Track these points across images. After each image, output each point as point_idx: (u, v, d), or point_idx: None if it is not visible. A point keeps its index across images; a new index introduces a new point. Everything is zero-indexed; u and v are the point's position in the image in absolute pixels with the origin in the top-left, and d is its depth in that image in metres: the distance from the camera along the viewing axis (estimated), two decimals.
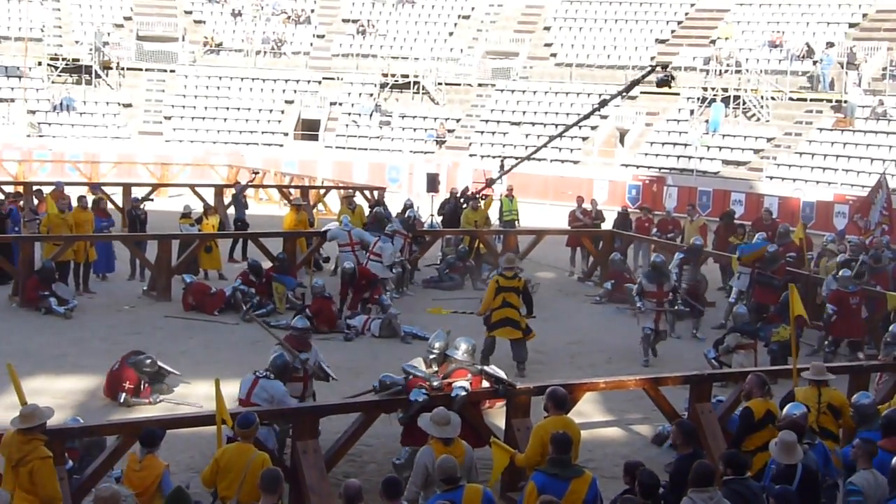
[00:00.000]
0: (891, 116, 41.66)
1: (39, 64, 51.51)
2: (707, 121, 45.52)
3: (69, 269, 23.24)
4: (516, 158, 39.11)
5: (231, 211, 29.93)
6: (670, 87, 40.36)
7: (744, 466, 10.15)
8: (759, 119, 45.19)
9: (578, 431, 11.21)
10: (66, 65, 51.62)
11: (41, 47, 52.07)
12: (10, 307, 21.87)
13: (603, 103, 31.07)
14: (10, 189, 30.83)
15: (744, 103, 45.48)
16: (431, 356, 13.89)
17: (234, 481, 9.67)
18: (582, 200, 29.94)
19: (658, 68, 40.52)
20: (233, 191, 30.50)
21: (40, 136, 48.21)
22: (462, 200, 29.61)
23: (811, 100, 45.03)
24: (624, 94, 35.52)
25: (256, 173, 36.53)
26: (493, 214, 30.39)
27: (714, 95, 45.53)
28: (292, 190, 37.29)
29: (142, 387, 15.97)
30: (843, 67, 44.79)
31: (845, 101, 43.36)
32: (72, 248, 23.01)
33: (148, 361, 16.20)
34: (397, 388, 12.59)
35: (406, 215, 25.95)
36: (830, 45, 46.03)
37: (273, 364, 13.17)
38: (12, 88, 50.15)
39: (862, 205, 27.48)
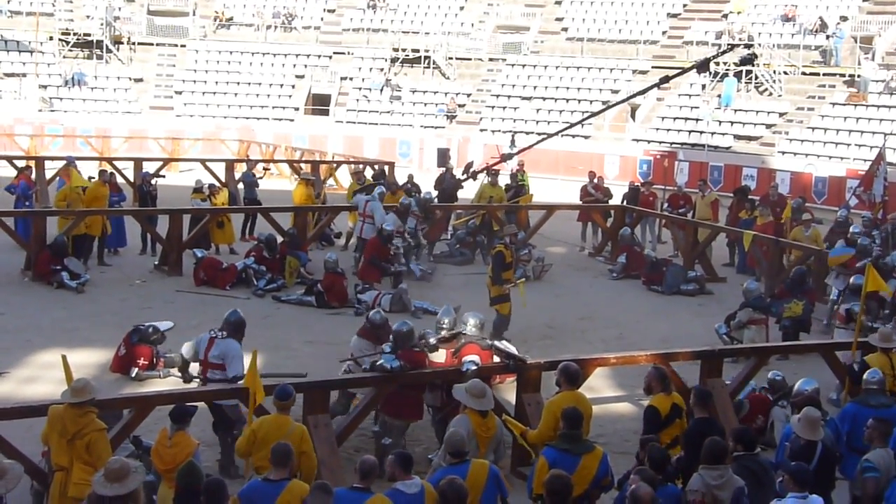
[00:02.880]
0: None
1: (51, 39, 51.47)
2: (719, 95, 45.33)
3: (88, 243, 23.27)
4: (527, 133, 39.14)
5: (241, 187, 29.91)
6: (753, 64, 40.29)
7: (753, 442, 10.18)
8: (771, 94, 44.98)
9: (590, 407, 11.24)
10: (78, 40, 51.59)
11: (52, 22, 52.02)
12: (23, 281, 21.92)
13: (665, 79, 30.67)
14: (21, 164, 30.78)
15: (756, 78, 45.28)
16: (441, 331, 13.89)
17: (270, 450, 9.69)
18: (594, 175, 29.87)
19: (740, 46, 40.42)
20: (243, 167, 30.57)
21: (52, 111, 48.25)
22: (465, 176, 29.60)
23: (824, 74, 44.78)
24: (698, 70, 35.17)
25: (268, 169, 36.59)
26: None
27: (726, 70, 45.30)
28: (303, 165, 37.32)
29: (154, 360, 16.06)
30: (856, 41, 44.56)
31: (858, 76, 43.12)
32: (85, 223, 23.05)
33: (150, 330, 16.28)
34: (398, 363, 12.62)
35: (423, 195, 25.99)
36: (844, 18, 45.76)
37: (226, 321, 13.20)
38: (24, 63, 50.14)
39: (864, 178, 27.37)
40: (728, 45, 41.14)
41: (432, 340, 13.26)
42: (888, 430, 10.48)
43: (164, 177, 29.04)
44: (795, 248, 23.11)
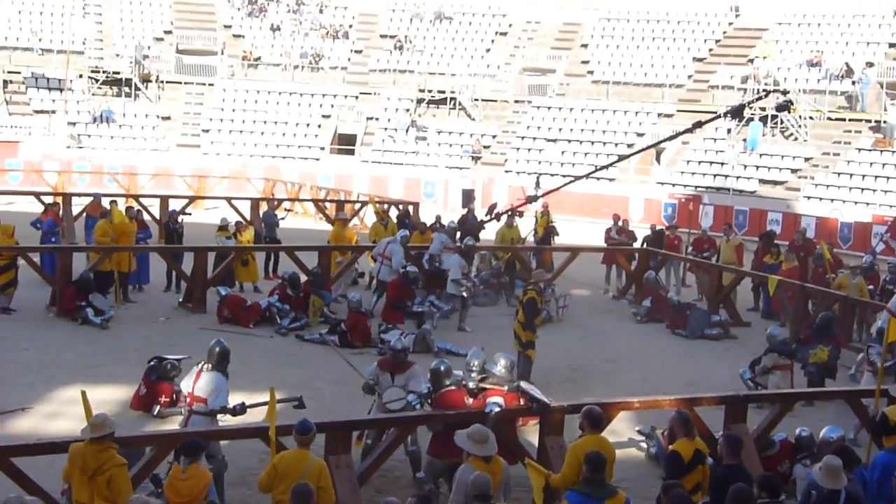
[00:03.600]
0: None
1: (80, 76, 52.00)
2: (745, 139, 45.34)
3: (111, 279, 23.36)
4: (552, 175, 39.18)
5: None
6: (790, 111, 40.28)
7: (779, 490, 10.06)
8: (797, 138, 44.94)
9: (613, 451, 11.16)
10: (107, 77, 52.09)
11: (82, 60, 52.59)
12: (48, 317, 22.01)
13: (698, 124, 30.65)
14: (48, 199, 31.01)
15: (782, 122, 45.27)
16: (471, 373, 13.83)
17: (290, 487, 9.68)
18: (618, 218, 29.86)
19: (778, 92, 40.43)
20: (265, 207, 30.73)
21: (80, 147, 48.66)
22: (489, 217, 29.65)
23: (850, 120, 44.75)
24: (732, 115, 35.01)
25: (290, 210, 36.85)
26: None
27: (752, 114, 45.29)
28: (327, 204, 37.46)
29: (175, 397, 16.07)
30: (882, 87, 44.52)
31: (884, 122, 43.06)
32: (111, 259, 23.16)
33: (169, 367, 16.32)
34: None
35: (448, 224, 26.19)
36: (870, 64, 45.80)
37: (210, 352, 13.16)
38: (54, 100, 50.60)
39: (891, 225, 27.23)
40: (764, 91, 41.14)
41: (471, 385, 13.22)
42: None
43: (189, 214, 29.18)
44: (820, 293, 22.99)
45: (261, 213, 31.54)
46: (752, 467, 12.78)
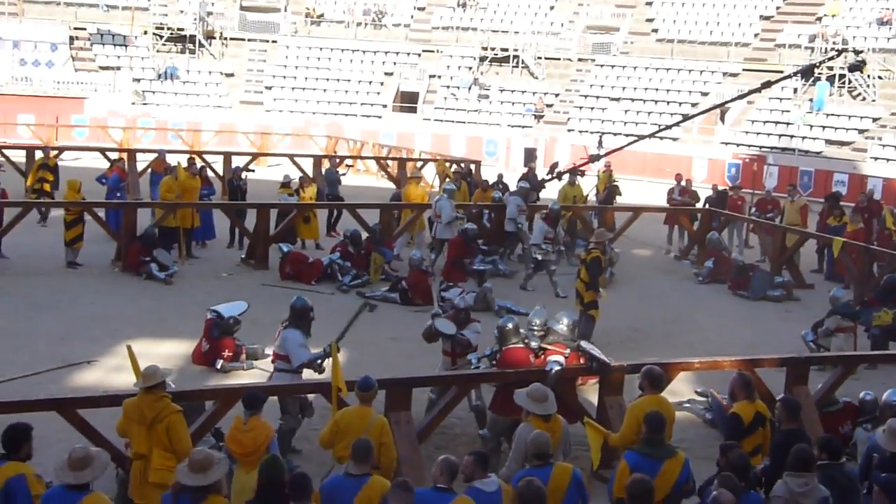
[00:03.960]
0: None
1: (145, 33, 52.44)
2: (811, 99, 44.72)
3: (175, 235, 23.59)
4: (615, 135, 38.95)
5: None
6: (863, 71, 39.74)
7: (839, 452, 9.99)
8: (864, 98, 44.25)
9: (673, 411, 11.13)
10: (171, 34, 52.45)
11: (147, 16, 52.96)
12: (113, 272, 22.29)
13: (767, 84, 30.23)
14: (113, 156, 31.33)
15: (850, 82, 44.56)
16: (533, 332, 13.85)
17: (351, 444, 9.75)
18: (681, 178, 29.64)
19: (851, 52, 39.94)
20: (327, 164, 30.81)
21: (144, 104, 49.11)
22: (550, 176, 29.51)
23: None
24: (802, 75, 34.48)
25: (351, 166, 37.06)
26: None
27: (819, 74, 44.64)
28: (388, 162, 37.53)
29: (241, 353, 16.30)
30: None
31: None
32: (175, 215, 23.40)
33: (232, 322, 16.50)
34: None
35: (519, 186, 26.19)
36: None
37: (291, 307, 13.36)
38: (118, 57, 51.08)
39: None
40: (835, 50, 40.52)
41: (533, 344, 13.24)
42: None
43: (253, 171, 29.37)
44: (885, 255, 22.70)
45: (323, 170, 31.67)
46: (812, 430, 12.72)
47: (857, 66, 34.41)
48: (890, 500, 8.92)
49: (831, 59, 38.77)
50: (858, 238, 24.01)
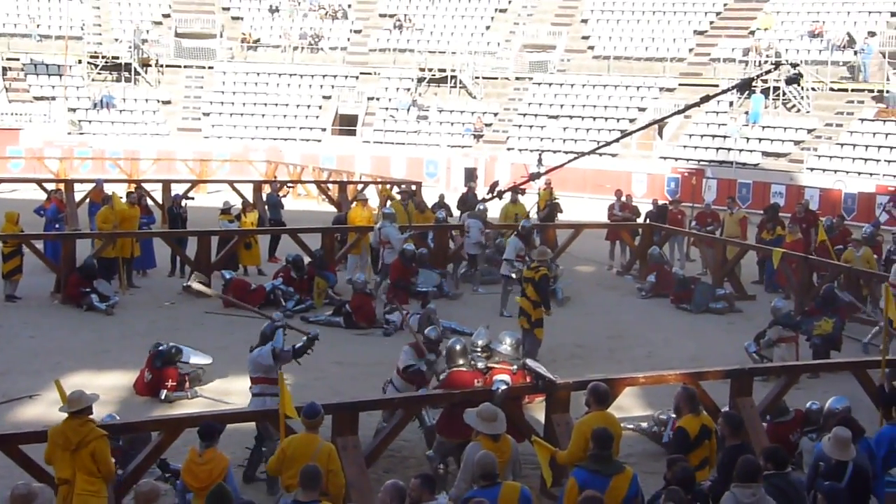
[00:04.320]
0: None
1: (80, 62, 51.96)
2: (747, 112, 45.21)
3: (115, 265, 23.36)
4: (554, 152, 39.19)
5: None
6: (800, 83, 40.20)
7: (785, 461, 10.07)
8: (799, 110, 44.82)
9: (619, 427, 11.17)
10: (106, 62, 52.03)
11: (81, 45, 52.50)
12: (52, 304, 22.03)
13: (706, 98, 30.45)
14: (51, 187, 31.01)
15: (784, 94, 45.11)
16: (476, 353, 13.86)
17: (299, 471, 9.71)
18: (620, 194, 29.86)
19: (787, 65, 40.37)
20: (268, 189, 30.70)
21: (81, 133, 48.63)
22: (491, 195, 29.60)
23: (852, 90, 44.63)
24: (739, 89, 34.70)
25: (291, 187, 37.01)
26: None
27: (755, 87, 45.12)
28: (329, 185, 37.45)
29: (184, 382, 16.15)
30: (884, 57, 44.38)
31: (887, 91, 42.95)
32: (115, 244, 23.17)
33: (173, 351, 16.39)
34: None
35: (479, 208, 26.16)
36: (872, 34, 45.58)
37: (262, 333, 13.60)
38: (53, 87, 50.56)
39: (894, 195, 27.11)
40: (774, 63, 41.00)
41: (480, 365, 13.26)
42: None
43: (192, 199, 29.18)
44: (825, 265, 22.95)
45: (264, 195, 31.53)
46: (757, 441, 12.82)
47: (795, 79, 34.88)
48: None
49: (769, 72, 39.19)
50: (797, 249, 24.23)
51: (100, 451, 10.22)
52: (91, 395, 10.73)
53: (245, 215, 26.73)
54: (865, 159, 40.34)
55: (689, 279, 24.36)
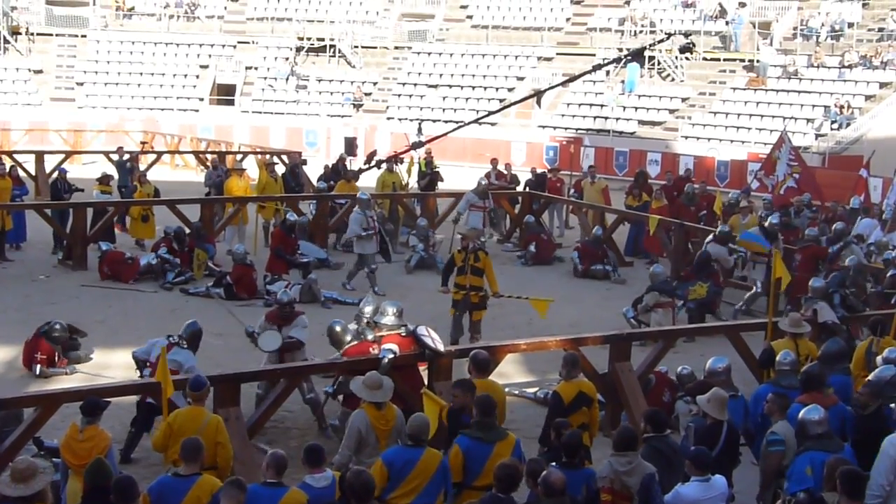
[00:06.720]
0: (802, 75, 42.26)
1: None
2: (623, 81, 45.79)
3: None
4: (434, 121, 39.22)
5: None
6: (692, 53, 40.69)
7: (664, 424, 10.29)
8: (673, 79, 45.54)
9: (503, 393, 11.29)
10: None
11: None
12: None
13: (597, 67, 30.71)
14: None
15: (658, 63, 45.78)
16: (363, 321, 13.88)
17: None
18: (496, 162, 30.07)
19: (680, 35, 40.82)
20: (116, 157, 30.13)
21: None
22: (368, 165, 29.57)
23: (724, 60, 45.51)
24: (632, 58, 34.98)
25: (144, 143, 36.33)
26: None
27: (628, 56, 45.68)
28: (208, 155, 36.96)
29: (56, 357, 15.77)
30: (754, 27, 45.31)
31: (757, 61, 43.89)
32: None
33: (57, 327, 16.02)
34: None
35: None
36: (742, 5, 46.47)
37: (186, 330, 13.17)
38: None
39: (765, 163, 27.72)
40: (666, 33, 41.53)
41: (370, 337, 13.27)
42: (787, 404, 10.68)
43: (66, 171, 28.38)
44: (700, 231, 23.40)
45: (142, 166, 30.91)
46: (636, 404, 13.10)
47: (688, 48, 35.44)
48: (700, 471, 9.25)
49: (661, 41, 39.64)
50: (663, 215, 24.78)
51: None
52: None
53: (140, 186, 26.24)
54: (737, 127, 41.23)
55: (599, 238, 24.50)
